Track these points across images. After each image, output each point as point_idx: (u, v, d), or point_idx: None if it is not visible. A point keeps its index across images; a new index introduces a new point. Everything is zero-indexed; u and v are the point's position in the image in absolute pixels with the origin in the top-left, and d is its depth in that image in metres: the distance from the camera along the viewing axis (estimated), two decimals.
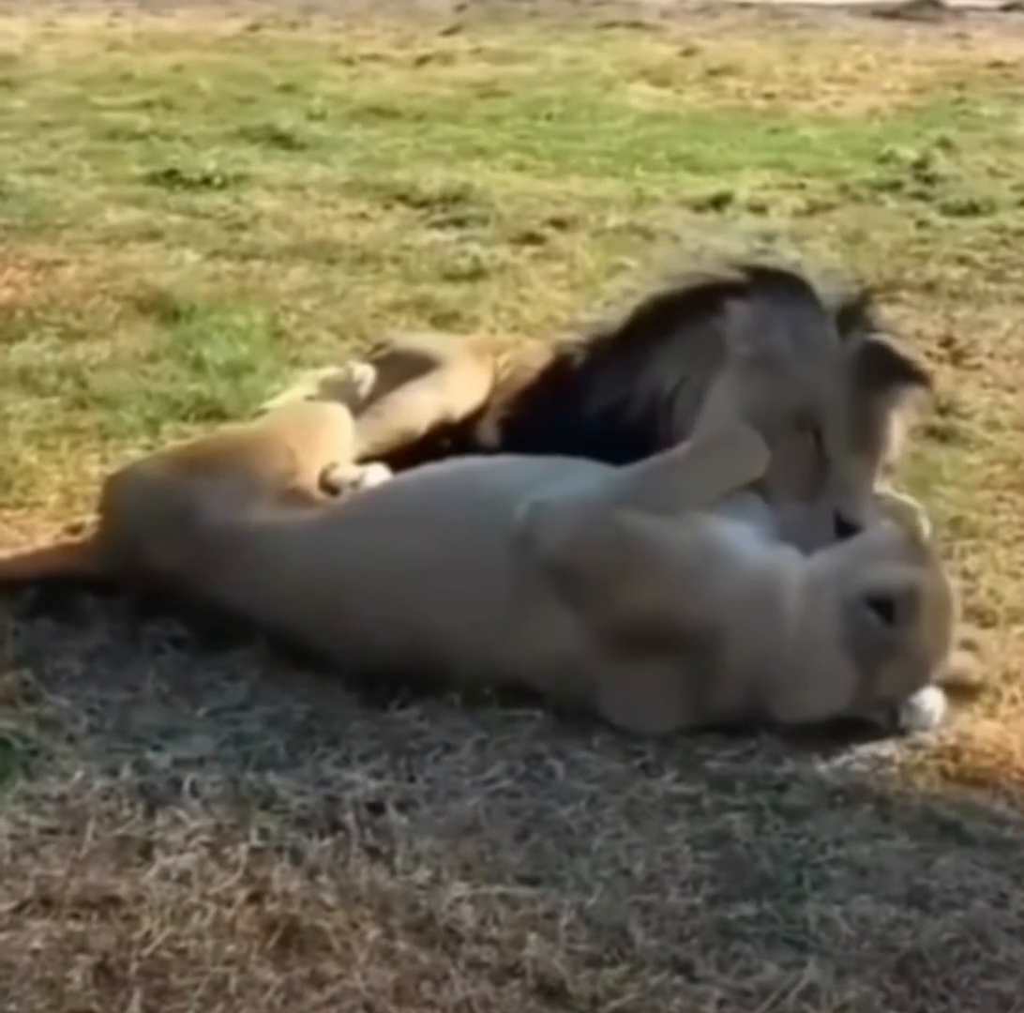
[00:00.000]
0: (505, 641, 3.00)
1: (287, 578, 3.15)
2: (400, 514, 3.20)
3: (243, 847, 2.63)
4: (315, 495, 3.29)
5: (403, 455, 3.53)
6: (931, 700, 3.03)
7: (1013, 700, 3.15)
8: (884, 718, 3.00)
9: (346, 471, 3.37)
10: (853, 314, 3.33)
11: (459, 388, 3.72)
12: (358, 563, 3.13)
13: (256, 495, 3.23)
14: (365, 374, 3.76)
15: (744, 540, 3.03)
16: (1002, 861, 2.65)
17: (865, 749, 2.97)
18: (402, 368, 3.77)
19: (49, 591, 3.37)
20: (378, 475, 3.39)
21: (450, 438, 3.67)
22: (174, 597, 3.24)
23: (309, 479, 3.31)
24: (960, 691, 3.11)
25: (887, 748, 2.97)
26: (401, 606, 3.06)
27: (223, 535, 3.18)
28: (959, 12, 14.84)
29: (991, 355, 5.17)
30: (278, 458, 3.32)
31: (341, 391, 3.73)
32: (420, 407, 3.66)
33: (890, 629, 2.93)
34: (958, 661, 3.10)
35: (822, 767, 2.91)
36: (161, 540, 3.23)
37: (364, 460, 3.48)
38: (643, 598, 2.94)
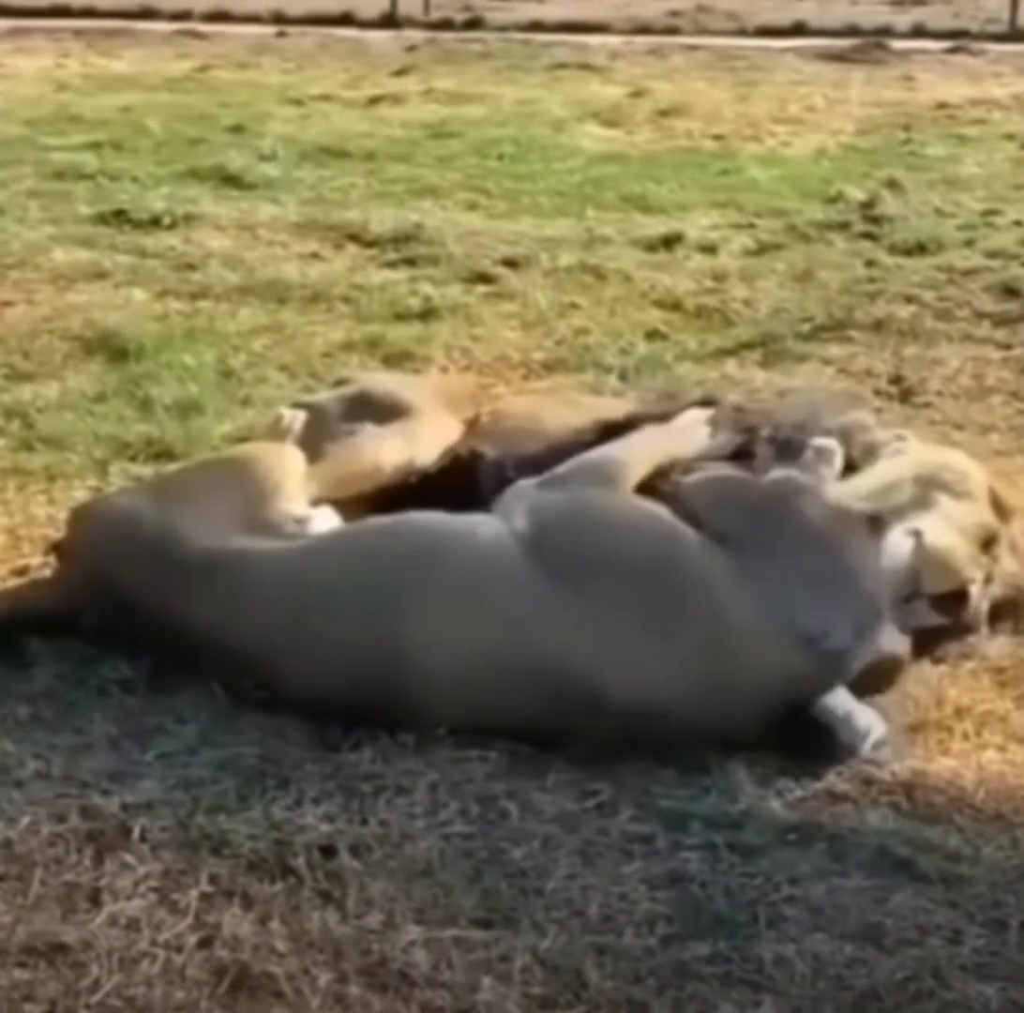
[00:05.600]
0: (475, 639, 3.06)
1: (265, 602, 3.17)
2: (372, 538, 3.26)
3: (193, 892, 2.60)
4: (286, 524, 3.32)
5: (367, 502, 3.49)
6: (869, 721, 3.04)
7: (965, 736, 3.16)
8: (819, 732, 3.02)
9: (294, 507, 3.35)
10: None
11: (425, 438, 3.65)
12: (334, 585, 3.16)
13: (230, 522, 3.27)
14: (294, 419, 3.71)
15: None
16: (956, 898, 2.65)
17: (819, 785, 2.97)
18: (370, 412, 3.71)
19: None
20: (326, 517, 3.37)
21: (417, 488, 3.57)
22: (142, 628, 3.22)
23: (276, 509, 3.35)
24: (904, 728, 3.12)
25: (841, 784, 2.97)
26: (376, 624, 3.08)
27: (202, 561, 3.20)
28: (905, 54, 14.97)
29: (940, 393, 5.21)
30: (246, 488, 3.37)
31: (270, 436, 3.71)
32: (381, 454, 3.60)
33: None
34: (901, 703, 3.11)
35: (776, 804, 2.90)
36: (137, 569, 3.25)
37: (318, 502, 3.44)
38: (602, 547, 3.15)
